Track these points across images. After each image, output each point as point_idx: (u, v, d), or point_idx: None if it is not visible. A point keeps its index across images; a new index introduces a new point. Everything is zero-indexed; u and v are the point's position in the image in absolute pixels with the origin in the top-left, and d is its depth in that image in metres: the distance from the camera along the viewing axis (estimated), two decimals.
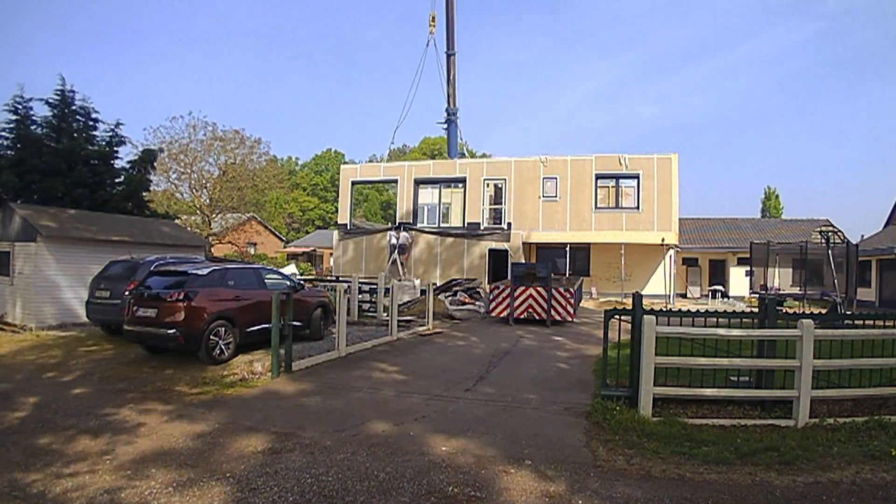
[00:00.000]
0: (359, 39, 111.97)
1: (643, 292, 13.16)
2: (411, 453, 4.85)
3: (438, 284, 19.38)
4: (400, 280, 19.52)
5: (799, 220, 31.49)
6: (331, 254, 31.58)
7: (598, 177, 22.58)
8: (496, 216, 24.00)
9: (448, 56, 27.76)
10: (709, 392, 5.96)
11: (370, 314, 14.94)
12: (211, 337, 8.30)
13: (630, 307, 6.31)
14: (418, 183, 25.32)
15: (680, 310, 7.03)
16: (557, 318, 14.26)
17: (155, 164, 21.95)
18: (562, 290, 14.39)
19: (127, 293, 9.14)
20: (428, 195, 25.53)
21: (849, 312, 10.89)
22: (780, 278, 20.53)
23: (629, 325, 6.37)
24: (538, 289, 14.40)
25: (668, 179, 21.73)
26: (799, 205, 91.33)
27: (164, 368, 8.13)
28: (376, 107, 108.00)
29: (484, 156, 46.98)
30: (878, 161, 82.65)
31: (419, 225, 24.96)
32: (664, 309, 10.40)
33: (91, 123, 18.97)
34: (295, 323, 8.72)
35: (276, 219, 51.98)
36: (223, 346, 8.49)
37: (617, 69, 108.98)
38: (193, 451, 4.86)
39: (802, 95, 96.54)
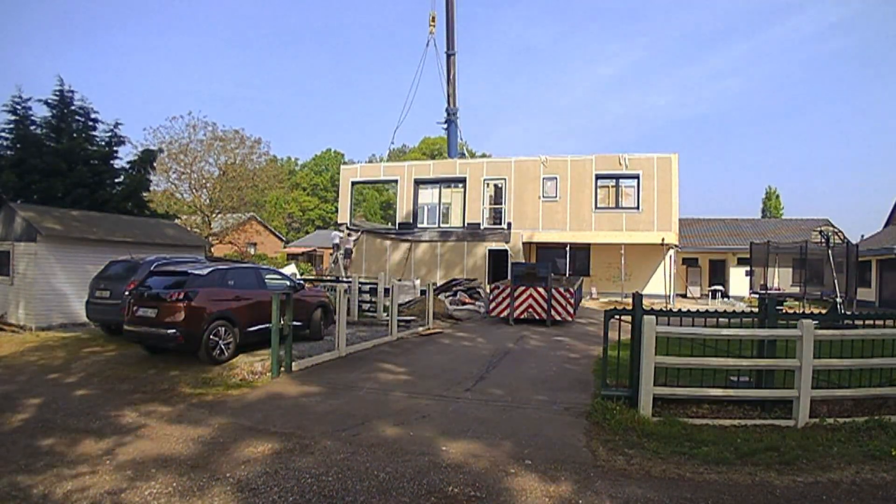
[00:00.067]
0: (359, 39, 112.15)
1: (643, 292, 13.19)
2: (411, 453, 4.86)
3: (438, 284, 19.40)
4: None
5: (799, 220, 31.51)
6: (331, 254, 31.58)
7: (598, 177, 22.56)
8: (496, 216, 24.00)
9: (448, 56, 27.76)
10: (709, 392, 5.96)
11: (370, 314, 14.94)
12: (211, 337, 8.30)
13: (630, 307, 6.31)
14: (418, 183, 25.32)
15: (680, 310, 7.03)
16: (557, 317, 14.27)
17: (155, 164, 21.97)
18: (562, 289, 14.39)
19: (127, 293, 9.14)
20: (428, 195, 25.53)
21: (849, 312, 10.89)
22: (780, 278, 20.56)
23: (629, 325, 6.38)
24: (538, 289, 14.41)
25: (668, 179, 21.72)
26: (799, 205, 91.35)
27: (166, 369, 8.13)
28: (376, 107, 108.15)
29: (484, 156, 46.99)
30: (878, 161, 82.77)
31: (419, 225, 25.00)
32: (664, 309, 10.40)
33: (90, 123, 19.01)
34: (295, 323, 8.72)
35: (276, 219, 52.00)
36: (223, 346, 8.49)
37: (616, 69, 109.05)
38: (194, 452, 4.87)
39: (802, 95, 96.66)
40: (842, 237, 16.09)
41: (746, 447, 5.01)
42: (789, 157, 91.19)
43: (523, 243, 23.11)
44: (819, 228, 16.51)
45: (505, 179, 23.85)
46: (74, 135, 18.29)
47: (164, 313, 8.13)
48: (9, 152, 17.02)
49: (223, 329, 8.51)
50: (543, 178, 23.12)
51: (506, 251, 22.95)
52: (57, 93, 18.27)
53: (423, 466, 4.55)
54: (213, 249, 28.55)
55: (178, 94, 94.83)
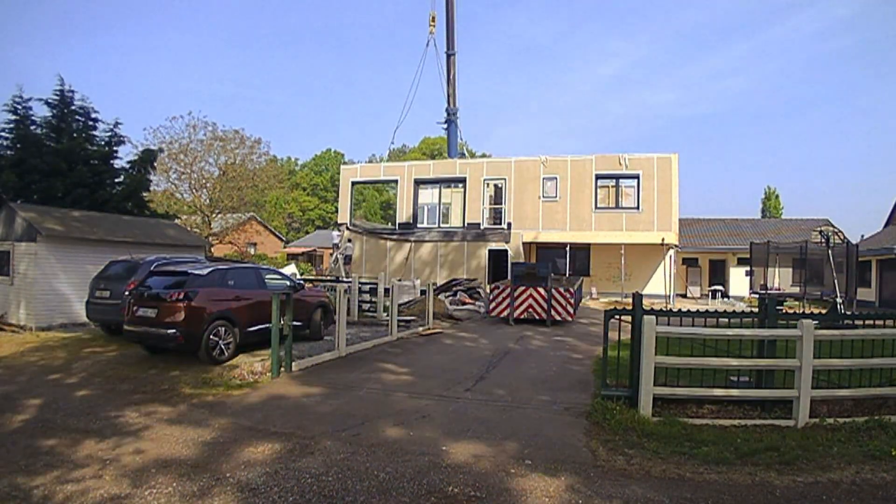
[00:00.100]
0: (359, 39, 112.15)
1: (643, 292, 13.18)
2: (411, 453, 4.86)
3: (439, 284, 19.40)
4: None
5: (799, 220, 31.52)
6: (331, 254, 31.59)
7: (598, 177, 22.56)
8: (496, 216, 24.00)
9: (448, 56, 27.77)
10: (709, 392, 5.96)
11: (370, 314, 14.94)
12: (211, 337, 8.30)
13: (630, 307, 6.31)
14: (418, 183, 25.32)
15: (680, 310, 7.03)
16: (557, 317, 14.27)
17: (155, 163, 21.97)
18: (562, 289, 14.40)
19: (127, 293, 9.15)
20: (428, 195, 25.53)
21: (849, 312, 10.89)
22: (780, 278, 20.57)
23: (629, 325, 6.38)
24: (538, 289, 14.41)
25: (668, 179, 21.72)
26: (799, 205, 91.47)
27: (166, 369, 8.13)
28: (376, 107, 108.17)
29: (484, 156, 46.99)
30: (878, 161, 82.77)
31: (419, 225, 25.00)
32: (664, 309, 10.40)
33: (91, 123, 19.01)
34: (295, 323, 8.72)
35: (276, 219, 52.00)
36: (223, 346, 8.50)
37: (616, 69, 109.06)
38: (194, 452, 4.87)
39: (802, 95, 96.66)
40: (842, 237, 16.09)
41: (746, 447, 5.01)
42: (789, 157, 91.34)
43: (523, 243, 23.10)
44: (819, 228, 16.52)
45: (505, 179, 23.85)
46: (74, 135, 18.29)
47: (164, 313, 8.13)
48: (9, 152, 17.02)
49: (223, 329, 8.51)
50: (543, 178, 23.12)
51: (506, 251, 22.95)
52: (57, 92, 18.27)
53: (423, 466, 4.55)
54: (213, 249, 28.55)
55: (178, 94, 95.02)
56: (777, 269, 20.54)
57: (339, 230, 26.01)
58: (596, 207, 22.56)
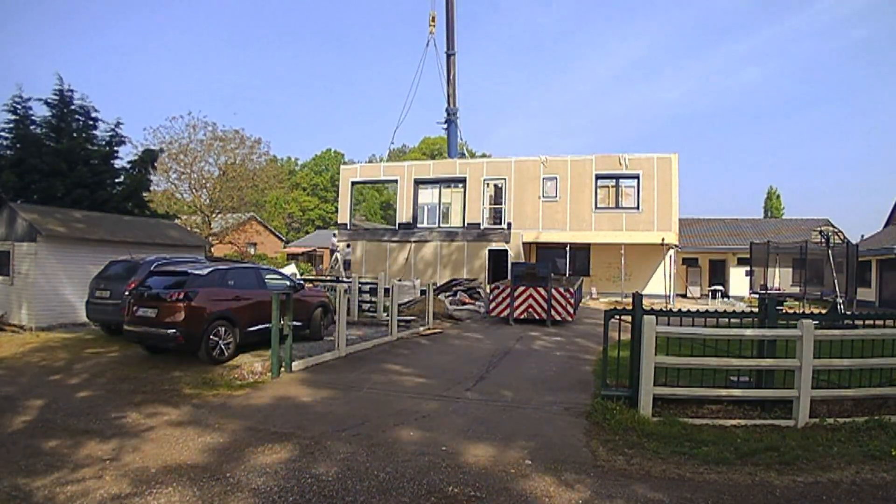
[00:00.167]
0: (359, 39, 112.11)
1: (643, 292, 13.19)
2: (411, 453, 4.86)
3: (439, 285, 19.40)
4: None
5: (799, 220, 31.53)
6: (331, 254, 31.60)
7: (598, 177, 22.56)
8: (496, 216, 24.00)
9: (448, 56, 27.77)
10: (709, 392, 5.97)
11: (370, 314, 14.95)
12: (211, 337, 8.30)
13: (630, 307, 6.32)
14: (418, 183, 25.32)
15: (680, 310, 7.03)
16: (557, 317, 14.27)
17: (155, 164, 21.95)
18: (562, 289, 14.40)
19: (127, 293, 9.15)
20: (428, 195, 25.53)
21: (849, 312, 10.89)
22: (780, 278, 20.59)
23: (629, 325, 6.38)
24: (538, 289, 14.41)
25: (668, 179, 21.72)
26: (799, 205, 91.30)
27: (167, 370, 8.13)
28: (376, 107, 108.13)
29: (484, 156, 46.99)
30: (878, 161, 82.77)
31: (419, 225, 25.00)
32: (664, 309, 10.41)
33: (91, 123, 18.97)
34: (295, 323, 8.72)
35: (276, 219, 51.99)
36: (223, 346, 8.50)
37: (616, 69, 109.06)
38: (194, 454, 4.87)
39: (802, 94, 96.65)
40: (842, 237, 16.10)
41: (746, 447, 5.01)
42: (789, 157, 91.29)
43: (523, 243, 23.10)
44: (819, 228, 16.52)
45: (505, 179, 23.85)
46: (74, 134, 18.27)
47: (164, 313, 8.13)
48: (9, 152, 17.00)
49: (223, 329, 8.51)
50: (543, 178, 23.12)
51: (506, 251, 22.95)
52: (57, 92, 18.25)
53: (424, 466, 4.56)
54: (213, 249, 28.53)
55: (178, 94, 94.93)
56: (777, 269, 20.56)
57: (336, 235, 26.01)
58: (596, 207, 22.56)
